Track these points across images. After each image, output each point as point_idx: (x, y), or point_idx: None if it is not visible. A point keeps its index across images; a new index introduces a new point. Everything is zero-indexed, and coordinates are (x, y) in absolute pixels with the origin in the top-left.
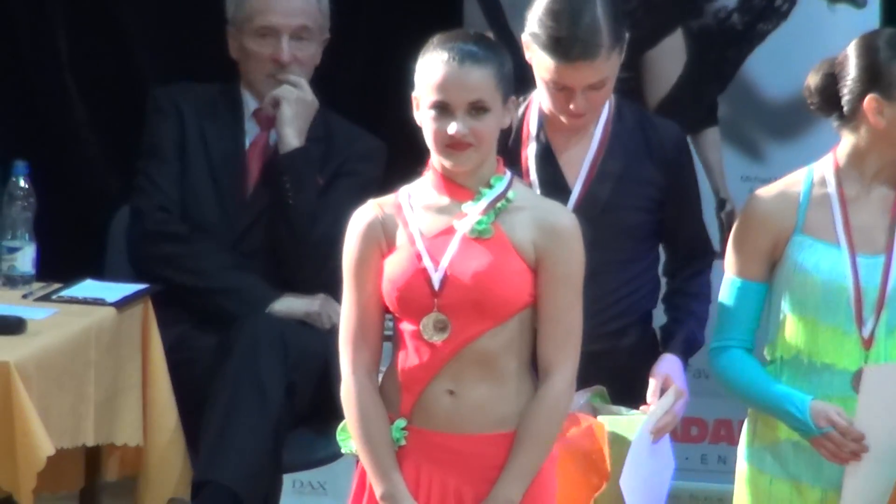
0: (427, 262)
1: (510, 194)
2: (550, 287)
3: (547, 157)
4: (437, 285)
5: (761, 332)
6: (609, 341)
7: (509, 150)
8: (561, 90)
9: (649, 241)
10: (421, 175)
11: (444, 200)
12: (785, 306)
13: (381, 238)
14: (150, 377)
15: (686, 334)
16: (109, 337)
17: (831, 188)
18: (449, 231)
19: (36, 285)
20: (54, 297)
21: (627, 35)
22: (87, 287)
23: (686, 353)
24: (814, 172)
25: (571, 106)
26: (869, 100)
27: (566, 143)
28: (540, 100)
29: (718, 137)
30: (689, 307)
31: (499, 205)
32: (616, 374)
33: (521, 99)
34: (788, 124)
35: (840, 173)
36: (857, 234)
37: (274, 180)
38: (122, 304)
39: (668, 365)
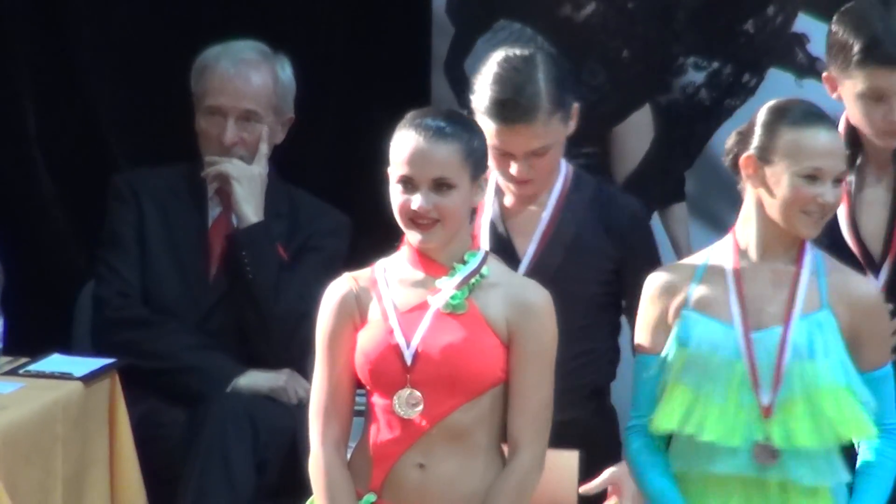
0: (399, 338)
1: (484, 270)
2: (522, 363)
3: (498, 226)
4: (409, 361)
5: None
6: (559, 414)
7: None
8: (503, 155)
9: (604, 312)
10: (397, 249)
11: (419, 275)
12: (667, 379)
13: (355, 312)
14: (117, 452)
15: None
16: (77, 411)
17: (727, 262)
18: (422, 306)
19: (3, 359)
20: (21, 371)
21: (576, 104)
22: (55, 361)
23: None
24: (714, 248)
25: (513, 172)
26: (745, 158)
27: (519, 211)
28: (493, 169)
29: (686, 213)
30: None
31: (473, 280)
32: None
33: None
34: None
35: (738, 246)
36: (750, 307)
37: (235, 257)
38: (89, 379)
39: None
